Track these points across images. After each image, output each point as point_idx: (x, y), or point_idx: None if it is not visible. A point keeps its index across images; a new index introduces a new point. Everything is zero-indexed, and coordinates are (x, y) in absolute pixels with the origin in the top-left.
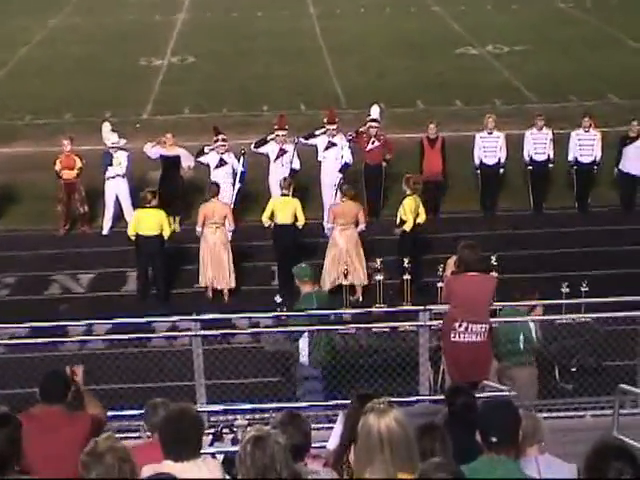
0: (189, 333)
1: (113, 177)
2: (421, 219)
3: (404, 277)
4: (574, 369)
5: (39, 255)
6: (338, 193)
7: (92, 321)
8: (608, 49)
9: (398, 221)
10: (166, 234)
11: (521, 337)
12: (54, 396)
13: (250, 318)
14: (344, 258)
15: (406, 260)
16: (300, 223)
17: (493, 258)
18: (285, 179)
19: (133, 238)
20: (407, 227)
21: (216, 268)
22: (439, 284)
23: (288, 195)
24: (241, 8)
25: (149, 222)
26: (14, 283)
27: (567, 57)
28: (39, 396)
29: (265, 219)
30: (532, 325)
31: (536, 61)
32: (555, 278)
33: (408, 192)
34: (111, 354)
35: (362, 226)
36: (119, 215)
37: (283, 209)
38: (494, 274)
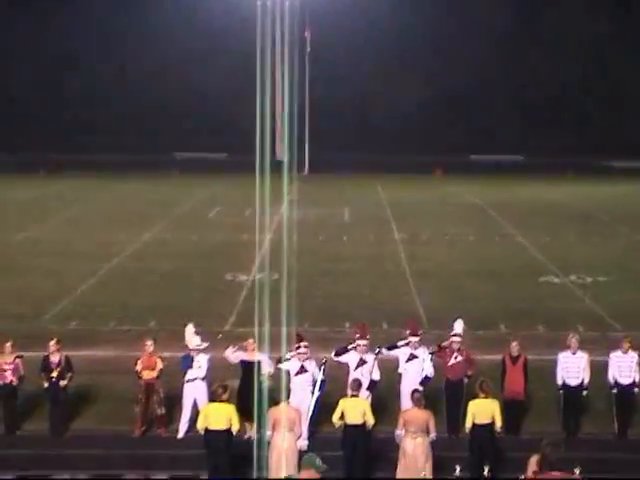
0: None
1: (192, 380)
2: (497, 425)
3: None
4: None
5: (112, 454)
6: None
7: None
8: None
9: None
10: (235, 429)
11: None
12: None
13: None
14: (415, 466)
15: (486, 468)
16: (370, 423)
17: (577, 471)
18: (354, 380)
19: (202, 432)
20: (466, 428)
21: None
22: None
23: (357, 396)
24: (327, 232)
25: (218, 416)
26: None
27: None
28: None
29: (335, 419)
30: None
31: (620, 291)
32: None
33: (481, 395)
34: None
35: (433, 435)
36: (196, 419)
37: (352, 409)
38: (578, 472)
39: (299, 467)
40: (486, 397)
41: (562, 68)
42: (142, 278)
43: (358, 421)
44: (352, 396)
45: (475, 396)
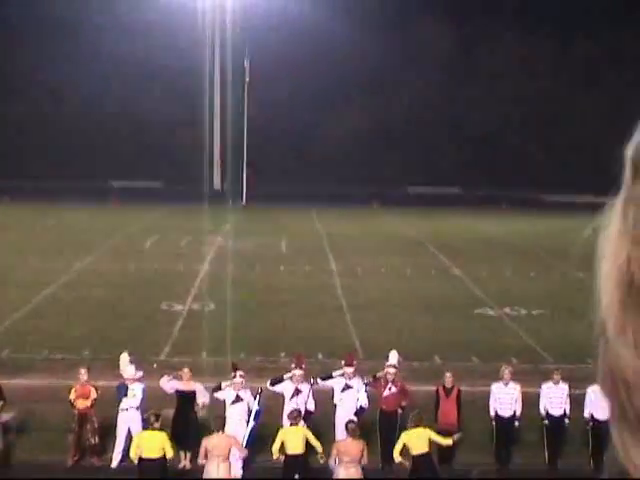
0: None
1: (127, 409)
2: (445, 442)
3: None
4: None
5: None
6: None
7: None
8: None
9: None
10: (169, 456)
11: None
12: None
13: None
14: None
15: None
16: (318, 448)
17: None
18: (294, 410)
19: (135, 461)
20: (395, 457)
21: None
22: None
23: (297, 425)
24: (264, 262)
25: (151, 444)
26: None
27: (585, 323)
28: None
29: (275, 450)
30: None
31: (553, 324)
32: None
33: (411, 425)
34: None
35: (364, 462)
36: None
37: (293, 439)
38: None
39: None
40: (417, 427)
41: (499, 102)
42: (76, 307)
43: (298, 451)
44: (291, 425)
45: (407, 428)
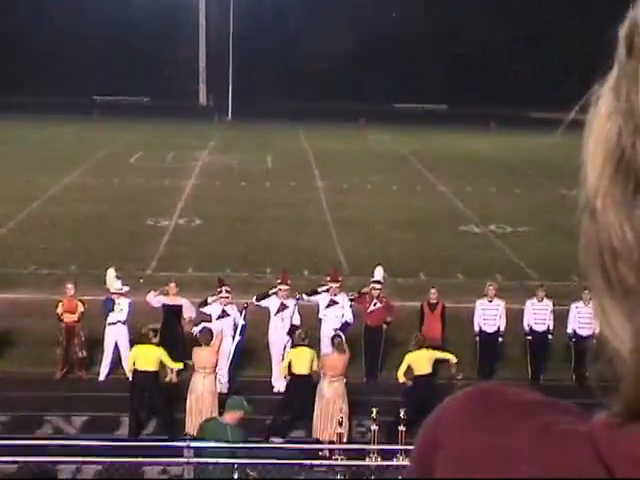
0: (182, 460)
1: (114, 323)
2: (449, 357)
3: (399, 428)
4: None
5: (34, 396)
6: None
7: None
8: None
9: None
10: (176, 367)
11: None
12: None
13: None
14: (331, 410)
15: (402, 411)
16: (314, 370)
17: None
18: (300, 332)
19: (130, 374)
20: (398, 378)
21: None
22: None
23: (303, 345)
24: (250, 178)
25: (147, 358)
26: (7, 422)
27: (569, 240)
28: None
29: (283, 370)
30: None
31: (538, 242)
32: None
33: (412, 347)
34: None
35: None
36: (117, 362)
37: (300, 359)
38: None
39: (219, 409)
40: (419, 348)
41: (486, 19)
42: (62, 222)
43: (305, 371)
44: (299, 346)
45: (410, 350)
